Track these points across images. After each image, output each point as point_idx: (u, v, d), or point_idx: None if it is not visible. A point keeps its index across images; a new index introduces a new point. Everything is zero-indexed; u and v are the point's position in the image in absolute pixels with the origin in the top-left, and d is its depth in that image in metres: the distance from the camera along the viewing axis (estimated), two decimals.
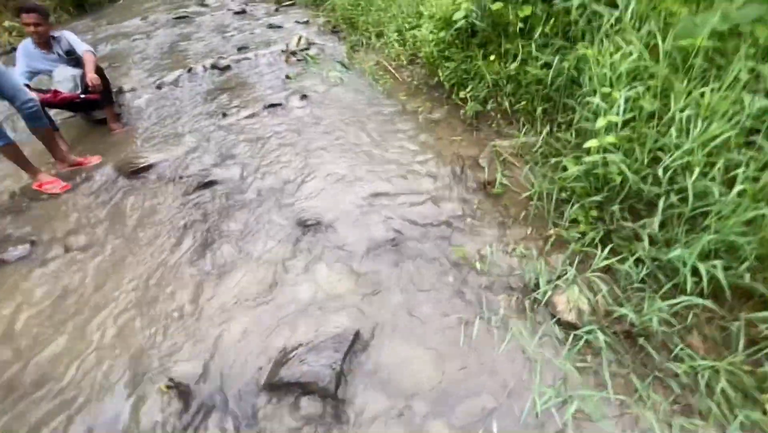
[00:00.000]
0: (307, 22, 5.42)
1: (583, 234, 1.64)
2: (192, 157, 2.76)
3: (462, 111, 2.69)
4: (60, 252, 2.11)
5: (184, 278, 1.83)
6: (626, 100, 1.57)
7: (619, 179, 1.52)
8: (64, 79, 3.03)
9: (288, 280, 1.77)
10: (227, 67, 4.26)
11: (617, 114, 1.53)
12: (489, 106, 2.53)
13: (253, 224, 2.12)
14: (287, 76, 3.82)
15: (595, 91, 1.74)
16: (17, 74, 2.93)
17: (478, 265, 1.70)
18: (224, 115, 3.27)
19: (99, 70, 3.01)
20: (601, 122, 1.54)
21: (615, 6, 1.87)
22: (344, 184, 2.31)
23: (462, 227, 1.93)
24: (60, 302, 1.81)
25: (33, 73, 3.03)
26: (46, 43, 2.97)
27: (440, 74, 2.77)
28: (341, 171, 2.41)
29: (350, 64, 3.94)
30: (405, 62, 3.43)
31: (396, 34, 3.63)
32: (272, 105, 3.32)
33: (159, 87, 4.02)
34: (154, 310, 1.69)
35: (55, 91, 2.86)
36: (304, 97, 3.41)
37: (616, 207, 1.57)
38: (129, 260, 1.98)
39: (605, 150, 1.54)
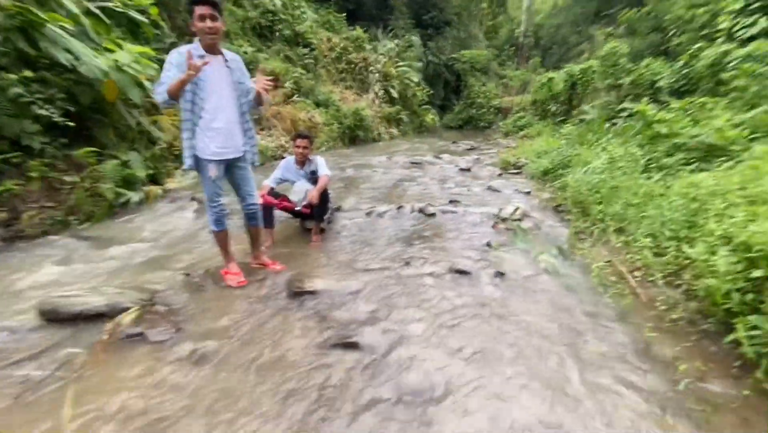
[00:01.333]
0: (528, 193, 5.15)
1: None
2: (353, 300, 2.45)
3: None
4: (185, 352, 1.95)
5: None
6: None
7: None
8: (299, 190, 3.47)
9: None
10: (432, 215, 4.23)
11: None
12: None
13: None
14: (488, 244, 3.38)
15: None
16: (271, 178, 3.54)
17: None
18: (407, 263, 2.99)
19: (324, 192, 3.32)
20: None
21: None
22: None
23: None
24: (147, 400, 1.51)
25: (282, 180, 3.62)
26: (303, 162, 3.54)
27: (739, 331, 1.69)
28: (512, 415, 1.55)
29: (570, 254, 3.22)
30: (659, 278, 2.46)
31: (649, 239, 2.76)
32: (460, 271, 2.86)
33: (368, 214, 4.27)
34: None
35: (283, 199, 3.27)
36: (500, 274, 2.82)
37: None
38: (219, 399, 1.60)
39: None
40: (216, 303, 2.42)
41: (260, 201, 3.12)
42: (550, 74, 13.56)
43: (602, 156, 4.66)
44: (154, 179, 5.16)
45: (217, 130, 2.36)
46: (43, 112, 3.78)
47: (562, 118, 11.85)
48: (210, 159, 2.38)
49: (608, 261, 2.93)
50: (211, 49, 2.30)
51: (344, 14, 15.85)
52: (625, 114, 8.55)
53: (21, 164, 3.80)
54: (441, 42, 20.34)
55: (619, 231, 3.24)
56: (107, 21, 5.12)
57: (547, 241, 3.51)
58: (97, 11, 5.01)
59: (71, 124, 3.95)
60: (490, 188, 5.47)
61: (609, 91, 10.93)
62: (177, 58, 2.22)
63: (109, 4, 5.43)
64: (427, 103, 17.07)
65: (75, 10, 4.49)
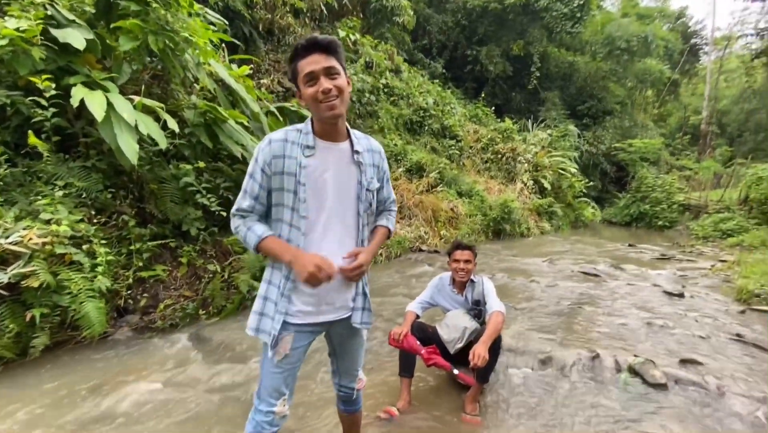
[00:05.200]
0: None
1: None
2: None
3: None
4: None
5: None
6: None
7: None
8: (453, 326, 2.42)
9: None
10: (661, 387, 2.58)
11: None
12: None
13: None
14: None
15: None
16: (416, 301, 2.61)
17: None
18: None
19: (495, 342, 2.16)
20: None
21: None
22: None
23: None
24: None
25: (431, 305, 2.65)
26: (462, 285, 2.53)
27: None
28: None
29: None
30: None
31: None
32: None
33: (544, 364, 2.88)
34: None
35: (431, 350, 2.22)
36: None
37: None
38: None
39: None
40: None
41: (400, 343, 2.18)
42: None
43: None
44: None
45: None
46: (204, 201, 3.81)
47: None
48: (291, 323, 1.33)
49: None
50: (331, 133, 1.34)
51: (492, 108, 15.81)
52: None
53: (175, 249, 3.82)
54: (599, 131, 18.44)
55: None
56: (281, 118, 5.53)
57: None
58: (275, 110, 5.45)
59: (225, 213, 3.90)
60: (739, 338, 3.44)
61: None
62: (267, 153, 1.30)
63: (287, 105, 5.95)
64: (583, 195, 14.94)
65: (257, 109, 4.87)
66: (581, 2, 15.90)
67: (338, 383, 1.60)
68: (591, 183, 16.04)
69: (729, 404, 2.43)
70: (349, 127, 1.40)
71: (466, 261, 2.48)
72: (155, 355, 2.89)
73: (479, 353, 1.96)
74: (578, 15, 16.07)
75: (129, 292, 3.30)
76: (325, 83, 1.23)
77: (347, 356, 1.54)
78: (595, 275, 5.76)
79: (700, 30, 26.29)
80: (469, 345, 2.29)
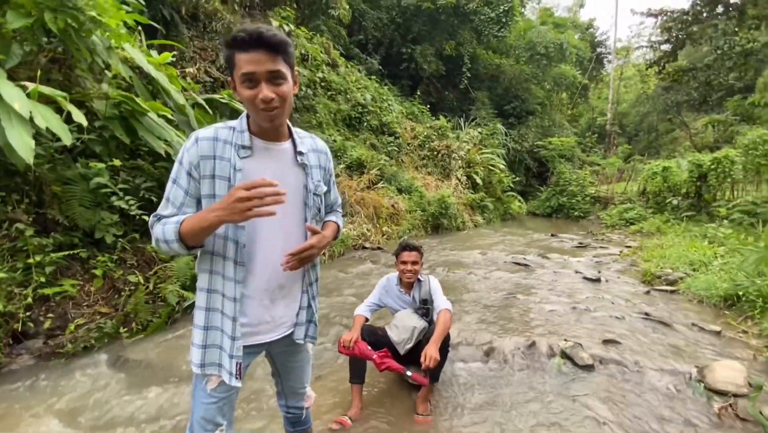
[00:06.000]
0: (718, 334, 3.51)
1: None
2: None
3: None
4: None
5: None
6: None
7: None
8: (402, 327, 2.41)
9: None
10: (588, 368, 2.83)
11: None
12: None
13: None
14: None
15: None
16: (364, 304, 2.56)
17: None
18: None
19: (444, 341, 2.20)
20: None
21: None
22: None
23: None
24: None
25: (379, 307, 2.62)
26: (410, 285, 2.54)
27: None
28: None
29: None
30: None
31: None
32: None
33: (487, 355, 3.02)
34: None
35: (384, 355, 2.19)
36: None
37: None
38: None
39: None
40: None
41: (351, 350, 2.12)
42: (664, 162, 11.86)
43: None
44: None
45: (255, 289, 1.21)
46: (121, 204, 3.38)
47: (688, 213, 9.86)
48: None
49: None
50: (270, 132, 1.20)
51: (427, 106, 16.27)
52: None
53: (87, 259, 3.35)
54: (523, 130, 19.92)
55: None
56: (210, 111, 5.10)
57: None
58: (203, 102, 5.01)
59: (147, 217, 3.49)
60: (648, 317, 3.92)
61: (758, 185, 8.97)
62: (193, 154, 1.13)
63: (216, 96, 5.52)
64: (511, 190, 16.07)
65: (182, 101, 4.43)
66: (506, 8, 16.95)
67: (285, 405, 1.50)
68: (517, 178, 17.26)
69: (646, 379, 2.73)
70: (291, 126, 1.28)
71: (414, 262, 2.49)
72: (65, 385, 2.50)
73: (430, 354, 1.97)
74: (504, 20, 17.11)
75: (28, 313, 2.82)
76: (266, 91, 1.06)
77: (292, 374, 1.43)
78: (526, 265, 6.19)
79: (605, 40, 29.57)
80: (418, 344, 2.31)
